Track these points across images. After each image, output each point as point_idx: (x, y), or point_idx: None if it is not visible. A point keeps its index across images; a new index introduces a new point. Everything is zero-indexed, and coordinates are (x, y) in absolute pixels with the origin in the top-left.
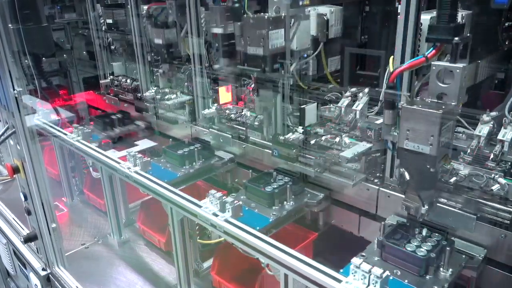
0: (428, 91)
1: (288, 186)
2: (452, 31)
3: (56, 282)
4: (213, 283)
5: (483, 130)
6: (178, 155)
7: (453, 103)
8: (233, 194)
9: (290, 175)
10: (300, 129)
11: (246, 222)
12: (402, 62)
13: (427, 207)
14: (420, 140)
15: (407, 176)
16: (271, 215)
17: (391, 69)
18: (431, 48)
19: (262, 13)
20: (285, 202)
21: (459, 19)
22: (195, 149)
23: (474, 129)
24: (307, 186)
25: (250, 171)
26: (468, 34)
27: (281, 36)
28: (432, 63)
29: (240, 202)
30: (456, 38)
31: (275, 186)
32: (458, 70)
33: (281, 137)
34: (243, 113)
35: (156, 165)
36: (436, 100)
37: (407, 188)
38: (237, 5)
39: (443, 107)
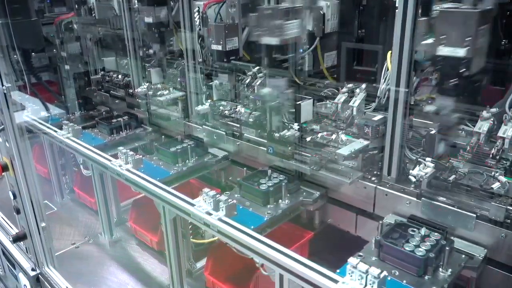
0: None
1: (283, 184)
2: None
3: (45, 282)
4: (207, 284)
5: (483, 127)
6: (171, 153)
7: (488, 7)
8: (227, 192)
9: (285, 173)
10: (295, 126)
11: (240, 221)
12: (400, 57)
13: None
14: (456, 43)
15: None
16: (266, 214)
17: (389, 65)
18: None
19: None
20: (280, 201)
21: None
22: (188, 146)
23: (474, 126)
24: (303, 184)
25: (245, 169)
26: None
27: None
28: None
29: (234, 201)
30: None
31: (270, 184)
32: None
33: (276, 134)
34: (237, 109)
35: (148, 163)
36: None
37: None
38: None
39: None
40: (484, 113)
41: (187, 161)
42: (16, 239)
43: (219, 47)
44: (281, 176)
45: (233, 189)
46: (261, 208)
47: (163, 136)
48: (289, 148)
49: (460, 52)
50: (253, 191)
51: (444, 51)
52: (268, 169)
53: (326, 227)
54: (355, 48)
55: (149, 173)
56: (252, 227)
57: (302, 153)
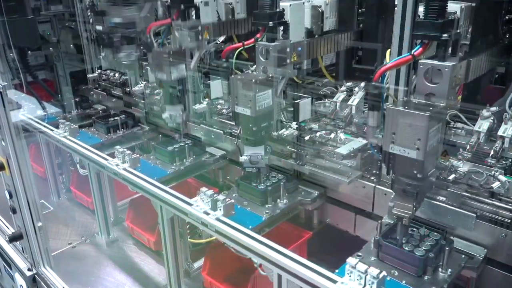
0: (416, 90)
1: (281, 183)
2: (440, 27)
3: (42, 282)
4: (204, 284)
5: (482, 125)
6: (168, 152)
7: (441, 104)
8: (224, 192)
9: (284, 172)
10: (294, 124)
11: (239, 220)
12: (400, 55)
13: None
14: (406, 144)
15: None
16: (264, 214)
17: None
18: (418, 46)
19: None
20: (278, 200)
21: (455, 12)
22: (186, 145)
23: (474, 125)
24: (301, 184)
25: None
26: (458, 30)
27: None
28: (420, 61)
29: (232, 200)
30: (445, 35)
31: (268, 184)
32: (447, 69)
33: (275, 133)
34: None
35: (146, 162)
36: (423, 101)
37: (396, 196)
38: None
39: (431, 108)
40: (484, 112)
41: (184, 160)
42: (12, 239)
43: None
44: (280, 175)
45: (231, 189)
46: (259, 208)
47: (160, 135)
48: (288, 147)
49: (412, 153)
50: (251, 190)
51: (394, 149)
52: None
53: (324, 227)
54: (354, 47)
55: (146, 173)
56: (250, 226)
57: (300, 152)
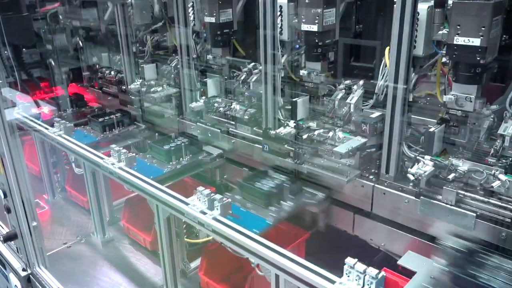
0: None
1: (286, 185)
2: None
3: (36, 283)
4: (201, 284)
5: (483, 124)
6: (165, 151)
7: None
8: (227, 193)
9: (282, 172)
10: (291, 123)
11: (243, 224)
12: (399, 53)
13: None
14: (471, 33)
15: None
16: (269, 217)
17: (387, 61)
18: None
19: None
20: (282, 202)
21: None
22: (182, 144)
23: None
24: (305, 185)
25: (244, 168)
26: None
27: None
28: None
29: (229, 200)
30: None
31: (273, 185)
32: None
33: (272, 132)
34: (232, 106)
35: (142, 161)
36: None
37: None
38: None
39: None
40: (484, 110)
41: (181, 159)
42: (7, 238)
43: None
44: (283, 177)
45: (233, 190)
46: (263, 210)
47: (156, 134)
48: (285, 145)
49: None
50: (254, 192)
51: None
52: (269, 169)
53: (323, 227)
54: (353, 44)
55: (142, 171)
56: (255, 230)
57: (298, 151)
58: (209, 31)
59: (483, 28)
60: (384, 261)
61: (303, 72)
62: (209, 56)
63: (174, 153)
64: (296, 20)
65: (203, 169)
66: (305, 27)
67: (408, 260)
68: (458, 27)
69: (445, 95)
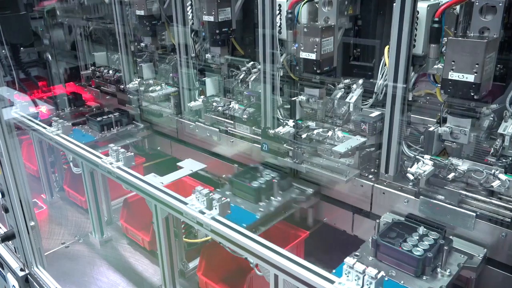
0: (471, 26)
1: (275, 181)
2: None
3: (34, 283)
4: (199, 284)
5: (482, 123)
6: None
7: (495, 36)
8: (217, 189)
9: (278, 170)
10: (291, 122)
11: (232, 218)
12: (398, 52)
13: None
14: (465, 70)
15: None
16: (258, 212)
17: (387, 60)
18: None
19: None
20: (272, 198)
21: None
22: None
23: None
24: (298, 182)
25: (236, 165)
26: None
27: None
28: None
29: (228, 199)
30: None
31: (262, 181)
32: (501, 4)
33: (271, 131)
34: (231, 105)
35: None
36: (478, 34)
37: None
38: None
39: (487, 37)
40: (484, 110)
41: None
42: (5, 238)
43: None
44: (273, 173)
45: (224, 186)
46: (253, 206)
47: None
48: (284, 145)
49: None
50: (244, 188)
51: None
52: (260, 165)
53: (322, 226)
54: (352, 43)
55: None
56: (244, 225)
57: (297, 150)
58: (207, 30)
59: (476, 65)
60: None
61: None
62: (208, 55)
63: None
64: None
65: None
66: (304, 54)
67: None
68: (453, 63)
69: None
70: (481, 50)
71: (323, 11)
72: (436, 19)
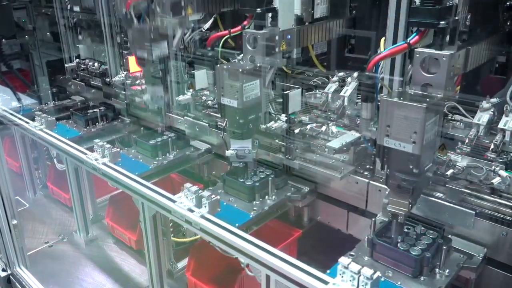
0: (411, 81)
1: (270, 179)
2: (437, 14)
3: (17, 283)
4: (188, 285)
5: (482, 118)
6: (150, 146)
7: (439, 95)
8: (210, 188)
9: (273, 167)
10: (283, 117)
11: (225, 217)
12: (395, 44)
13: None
14: (402, 137)
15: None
16: (252, 211)
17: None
18: (414, 33)
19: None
20: (266, 197)
21: None
22: (169, 139)
23: (473, 117)
24: (291, 179)
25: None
26: (456, 17)
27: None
28: (416, 50)
29: (218, 197)
30: (442, 22)
31: (256, 179)
32: (444, 58)
33: (263, 126)
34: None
35: (126, 157)
36: (420, 92)
37: (391, 192)
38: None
39: (428, 99)
40: (484, 104)
41: (167, 154)
42: None
43: None
44: (268, 170)
45: (216, 184)
46: (246, 204)
47: (142, 128)
48: (276, 140)
49: (408, 147)
50: (238, 186)
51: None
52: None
53: (315, 225)
54: (347, 35)
55: (127, 167)
56: (236, 224)
57: (290, 145)
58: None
59: (414, 134)
60: None
61: None
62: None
63: (160, 149)
64: None
65: (190, 165)
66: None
67: None
68: (388, 128)
69: None
70: (420, 116)
71: (248, 49)
72: (368, 72)
